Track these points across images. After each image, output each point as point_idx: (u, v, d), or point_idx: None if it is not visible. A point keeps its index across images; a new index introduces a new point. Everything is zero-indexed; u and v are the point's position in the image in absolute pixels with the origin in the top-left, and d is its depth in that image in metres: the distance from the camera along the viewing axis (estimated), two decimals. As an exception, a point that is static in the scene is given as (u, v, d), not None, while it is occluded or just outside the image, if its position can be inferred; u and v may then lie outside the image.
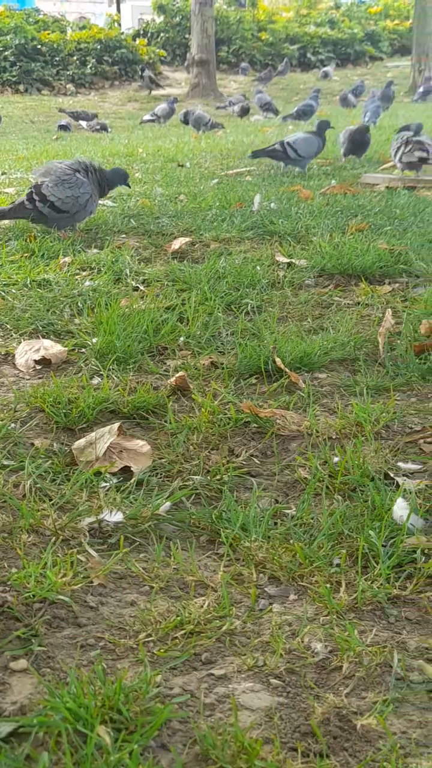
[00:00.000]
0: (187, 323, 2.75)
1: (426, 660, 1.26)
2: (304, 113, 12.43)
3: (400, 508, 1.61)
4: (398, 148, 5.95)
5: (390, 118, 12.23)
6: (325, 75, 20.17)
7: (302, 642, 1.30)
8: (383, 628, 1.35)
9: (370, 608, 1.39)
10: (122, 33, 20.96)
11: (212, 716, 1.15)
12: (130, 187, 4.48)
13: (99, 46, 19.26)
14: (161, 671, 1.23)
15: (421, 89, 17.13)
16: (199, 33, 17.64)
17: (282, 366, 2.33)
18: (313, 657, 1.26)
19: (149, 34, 21.61)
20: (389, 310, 2.76)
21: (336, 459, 1.84)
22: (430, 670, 1.23)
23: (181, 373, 2.27)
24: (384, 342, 2.51)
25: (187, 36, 19.61)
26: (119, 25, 22.81)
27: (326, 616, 1.36)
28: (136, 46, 20.04)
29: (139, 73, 17.53)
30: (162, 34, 21.52)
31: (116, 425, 1.94)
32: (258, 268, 3.41)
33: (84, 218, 4.08)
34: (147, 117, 13.74)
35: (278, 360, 2.35)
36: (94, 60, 19.02)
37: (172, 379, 2.27)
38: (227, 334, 2.68)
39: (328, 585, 1.44)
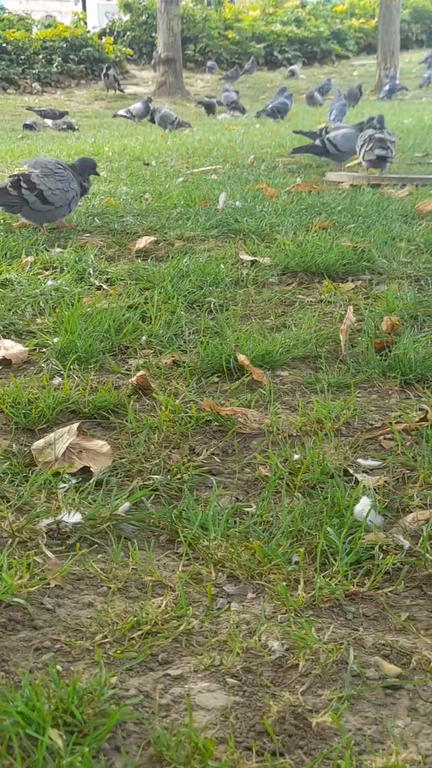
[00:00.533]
0: (149, 322, 2.74)
1: (382, 656, 1.26)
2: (278, 111, 12.46)
3: (362, 505, 1.61)
4: (361, 146, 5.97)
5: (356, 117, 12.26)
6: (292, 73, 20.21)
7: (259, 640, 1.29)
8: (341, 625, 1.35)
9: (328, 605, 1.39)
10: (88, 31, 20.87)
11: (168, 717, 1.14)
12: (99, 174, 4.45)
13: (65, 45, 19.15)
14: (117, 673, 1.22)
15: (386, 87, 17.22)
16: (165, 31, 17.59)
17: (245, 363, 2.33)
18: (270, 655, 1.26)
19: (116, 33, 21.53)
20: (351, 307, 2.77)
21: (296, 456, 1.84)
22: (387, 667, 1.23)
23: (142, 372, 2.26)
24: (345, 339, 2.51)
25: (153, 34, 19.55)
26: (85, 23, 22.71)
27: (284, 614, 1.36)
28: (103, 45, 19.96)
29: (104, 71, 17.43)
30: (128, 33, 21.45)
31: (75, 425, 1.93)
32: (222, 266, 3.40)
33: (62, 216, 4.06)
34: (122, 112, 13.69)
35: (241, 357, 2.34)
36: (60, 58, 18.92)
37: (134, 378, 2.25)
38: (190, 333, 2.67)
39: (287, 583, 1.44)
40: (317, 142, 6.50)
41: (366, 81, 18.20)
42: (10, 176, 4.20)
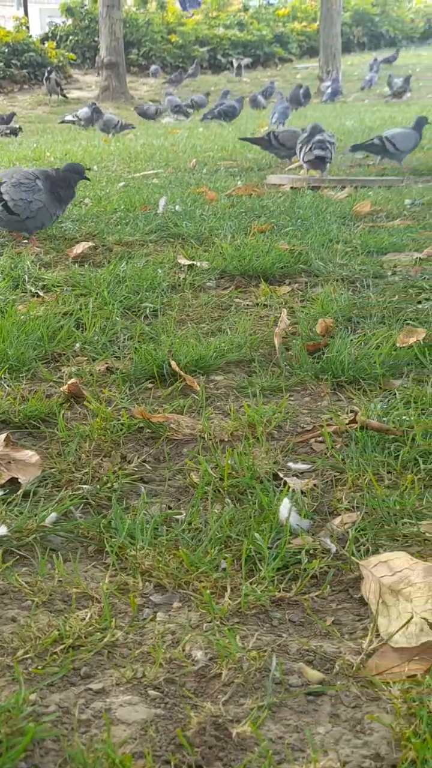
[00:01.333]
0: (84, 329, 2.71)
1: (306, 662, 1.25)
2: (226, 114, 12.49)
3: (286, 509, 1.60)
4: (301, 148, 6.00)
5: (299, 119, 12.33)
6: (239, 68, 20.26)
7: (183, 650, 1.28)
8: (266, 631, 1.34)
9: (254, 612, 1.38)
10: (30, 36, 20.71)
11: (87, 733, 1.12)
12: (89, 179, 4.40)
13: (6, 50, 18.99)
14: (37, 689, 1.19)
15: (329, 90, 17.34)
16: (108, 36, 17.52)
17: (177, 369, 2.31)
18: (194, 665, 1.25)
19: (58, 37, 21.40)
20: (285, 310, 2.77)
21: (227, 462, 1.83)
22: (310, 673, 1.22)
23: (73, 380, 2.23)
24: (279, 342, 2.51)
25: (96, 39, 19.46)
26: (27, 28, 22.51)
27: (210, 622, 1.35)
28: (45, 49, 19.83)
29: (46, 75, 17.31)
30: (71, 37, 21.34)
31: (2, 436, 1.90)
32: (159, 270, 3.39)
33: (34, 227, 4.01)
34: (69, 117, 13.58)
35: (173, 363, 2.33)
36: (2, 63, 18.75)
37: (65, 387, 2.23)
38: (125, 339, 2.65)
39: (213, 590, 1.42)
40: (375, 140, 6.58)
41: (310, 83, 18.30)
42: None
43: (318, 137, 5.87)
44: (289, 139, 6.69)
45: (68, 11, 21.70)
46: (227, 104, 12.87)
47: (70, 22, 21.63)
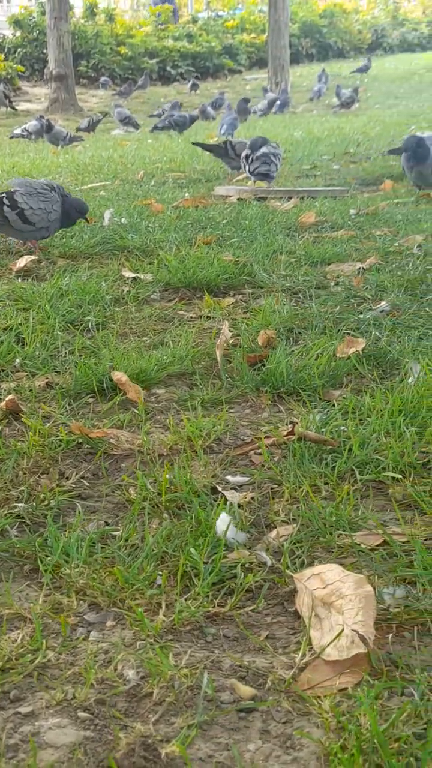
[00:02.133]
0: (24, 344, 2.69)
1: (239, 678, 1.25)
2: (177, 124, 12.52)
3: (223, 523, 1.59)
4: (247, 160, 6.03)
5: (248, 130, 12.39)
6: (194, 86, 20.31)
7: (115, 670, 1.26)
8: (200, 648, 1.33)
9: (188, 629, 1.37)
10: (-22, 48, 20.56)
11: (15, 758, 1.10)
12: (89, 223, 4.36)
13: None
14: (-36, 714, 1.17)
15: (278, 101, 17.45)
16: (56, 48, 17.45)
17: (122, 381, 2.30)
18: (125, 685, 1.23)
19: (6, 49, 21.26)
20: (226, 322, 2.77)
21: (165, 476, 1.82)
22: (242, 689, 1.21)
23: (11, 396, 2.21)
24: (221, 355, 2.51)
25: (44, 51, 19.36)
26: (-25, 40, 22.33)
27: (143, 640, 1.34)
28: (-7, 62, 19.68)
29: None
30: (19, 49, 21.21)
31: None
32: (103, 283, 3.37)
33: (41, 237, 4.01)
34: (17, 131, 13.48)
35: (117, 375, 2.31)
36: None
37: (3, 403, 2.20)
38: (66, 353, 2.63)
39: (148, 608, 1.41)
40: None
41: (258, 95, 18.39)
42: None
43: (263, 150, 5.90)
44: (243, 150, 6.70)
45: (16, 23, 21.57)
46: (179, 115, 12.90)
47: (18, 34, 21.51)
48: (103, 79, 20.69)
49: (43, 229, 3.93)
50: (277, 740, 1.12)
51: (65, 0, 17.49)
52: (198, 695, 1.21)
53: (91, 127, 13.77)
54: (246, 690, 1.21)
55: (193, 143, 7.87)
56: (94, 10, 22.84)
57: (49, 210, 3.86)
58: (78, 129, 13.72)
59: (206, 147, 7.30)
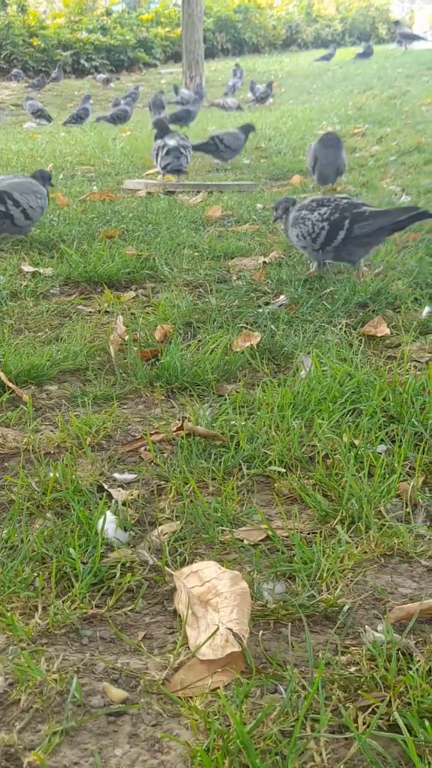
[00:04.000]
0: None
1: (111, 681, 1.22)
2: (119, 117, 12.40)
3: (105, 522, 1.56)
4: (157, 154, 5.98)
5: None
6: (106, 81, 20.13)
7: (-16, 677, 1.22)
8: (75, 651, 1.29)
9: (63, 631, 1.34)
10: None
11: None
12: (53, 185, 4.42)
13: None
14: None
15: (194, 96, 17.42)
16: (-34, 38, 17.09)
17: (5, 380, 2.24)
18: (-8, 692, 1.19)
19: None
20: (121, 317, 2.73)
21: (50, 475, 1.77)
22: (114, 692, 1.19)
23: None
24: (115, 350, 2.47)
25: None
26: None
27: (15, 645, 1.29)
28: None
29: None
30: None
31: None
32: (1, 278, 3.29)
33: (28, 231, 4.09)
34: None
35: (1, 374, 2.25)
36: None
37: None
38: (-43, 350, 2.55)
39: (23, 611, 1.37)
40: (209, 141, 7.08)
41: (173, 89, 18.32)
42: None
43: (172, 143, 5.86)
44: (233, 141, 7.09)
45: None
46: (120, 108, 12.80)
47: None
48: (15, 71, 20.33)
49: (33, 224, 4.07)
50: (145, 744, 1.10)
51: (-25, -11, 17.13)
52: (67, 700, 1.17)
53: None
54: (117, 693, 1.19)
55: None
56: (5, 1, 22.43)
57: (43, 206, 3.98)
58: None
59: (198, 147, 7.19)
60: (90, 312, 2.99)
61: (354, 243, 3.14)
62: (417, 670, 1.18)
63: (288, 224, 3.35)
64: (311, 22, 29.17)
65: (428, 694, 1.13)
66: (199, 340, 2.55)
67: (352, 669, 1.21)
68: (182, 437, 1.90)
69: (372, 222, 3.06)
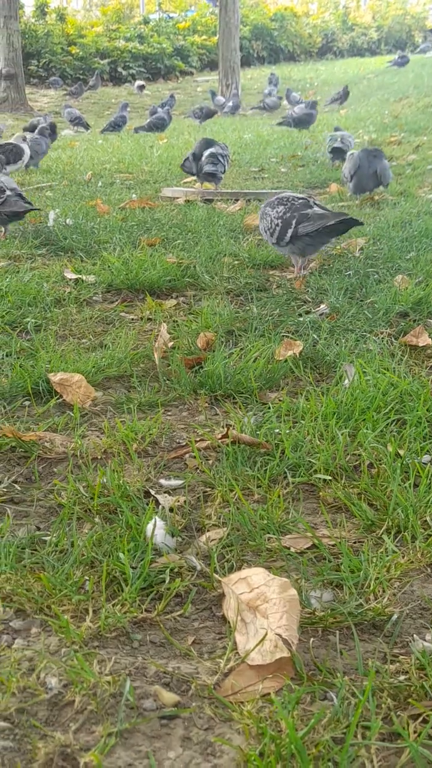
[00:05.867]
0: (-39, 346, 2.65)
1: (163, 684, 1.24)
2: (156, 126, 12.51)
3: (154, 527, 1.58)
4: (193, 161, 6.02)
5: (198, 132, 12.39)
6: (141, 87, 20.26)
7: (38, 678, 1.25)
8: (125, 654, 1.31)
9: (114, 635, 1.36)
10: None
11: None
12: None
13: None
14: None
15: (230, 103, 17.47)
16: (6, 47, 17.27)
17: (54, 381, 2.28)
18: (47, 693, 1.21)
19: None
20: (164, 324, 2.76)
21: (98, 480, 1.80)
22: (165, 696, 1.20)
23: None
24: (159, 357, 2.50)
25: (-6, 49, 19.16)
26: None
27: (69, 647, 1.32)
28: None
29: None
30: (-32, 48, 20.97)
31: None
32: (44, 285, 3.34)
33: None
34: None
35: (58, 377, 2.29)
36: None
37: None
38: (3, 356, 2.59)
39: (75, 614, 1.39)
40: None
41: (209, 97, 18.39)
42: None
43: (210, 150, 5.90)
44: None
45: (-35, 21, 21.33)
46: (158, 116, 12.89)
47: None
48: (53, 78, 20.53)
49: None
50: (197, 747, 1.12)
51: (15, -2, 17.34)
52: (120, 703, 1.19)
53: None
54: (169, 697, 1.20)
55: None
56: (45, 9, 22.66)
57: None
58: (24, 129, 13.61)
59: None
60: (132, 319, 3.03)
61: (302, 241, 3.40)
62: (466, 680, 1.18)
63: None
64: (347, 30, 29.19)
65: None
66: (242, 349, 2.57)
67: (402, 678, 1.22)
68: (227, 445, 1.92)
69: (313, 224, 3.31)
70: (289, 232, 3.36)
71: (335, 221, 3.27)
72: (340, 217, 3.29)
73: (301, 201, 3.45)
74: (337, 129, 7.89)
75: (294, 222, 3.34)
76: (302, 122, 11.55)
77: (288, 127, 11.67)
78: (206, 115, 14.01)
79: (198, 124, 13.83)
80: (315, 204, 3.44)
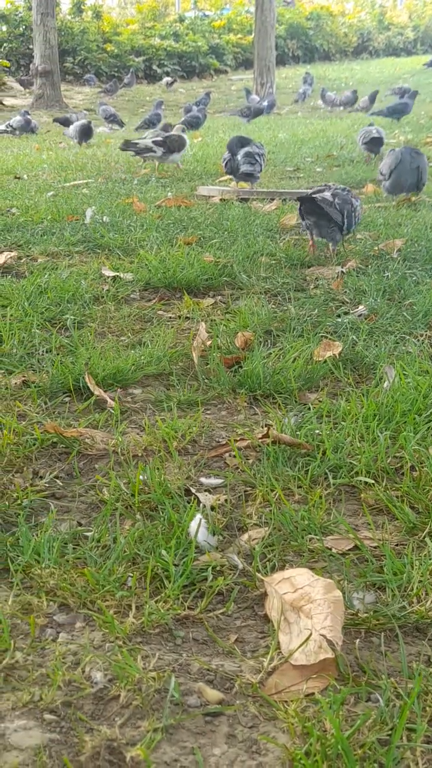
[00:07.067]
0: (1, 341, 2.67)
1: (207, 682, 1.24)
2: (191, 124, 12.56)
3: (196, 525, 1.59)
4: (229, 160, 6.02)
5: (232, 130, 12.39)
6: (169, 84, 20.30)
7: (83, 672, 1.26)
8: (169, 650, 1.32)
9: (157, 631, 1.37)
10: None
11: (-21, 760, 1.10)
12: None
13: None
14: None
15: (265, 102, 17.46)
16: (42, 43, 17.39)
17: (90, 383, 2.29)
18: (92, 687, 1.23)
19: (-8, 44, 21.17)
20: (203, 323, 2.77)
21: (139, 477, 1.81)
22: (209, 693, 1.21)
23: (-14, 395, 2.19)
24: (198, 356, 2.51)
25: (30, 47, 19.29)
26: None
27: (112, 642, 1.33)
28: (-22, 56, 19.60)
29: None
30: (5, 44, 21.13)
31: None
32: (83, 282, 3.36)
33: None
34: (1, 127, 13.38)
35: (88, 378, 2.31)
36: None
37: (-22, 401, 2.19)
38: (43, 352, 2.62)
39: (117, 609, 1.41)
40: None
41: (244, 96, 18.38)
42: None
43: (246, 149, 5.89)
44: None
45: (2, 18, 21.49)
46: (192, 115, 12.92)
47: (4, 29, 21.42)
48: (88, 75, 20.64)
49: None
50: (242, 745, 1.12)
51: (52, -4, 17.44)
52: (165, 699, 1.20)
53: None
54: (213, 694, 1.21)
55: None
56: (81, 6, 22.78)
57: None
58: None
59: None
60: (170, 317, 3.04)
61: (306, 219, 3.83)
62: None
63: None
64: (383, 29, 29.05)
65: None
66: (280, 349, 2.57)
67: (446, 681, 1.22)
68: (267, 444, 1.92)
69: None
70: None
71: (298, 197, 3.79)
72: (299, 194, 3.91)
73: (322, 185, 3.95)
74: (371, 125, 7.86)
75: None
76: (397, 111, 11.44)
77: (382, 117, 11.61)
78: (254, 113, 14.02)
79: (245, 122, 13.85)
80: (329, 188, 3.85)
